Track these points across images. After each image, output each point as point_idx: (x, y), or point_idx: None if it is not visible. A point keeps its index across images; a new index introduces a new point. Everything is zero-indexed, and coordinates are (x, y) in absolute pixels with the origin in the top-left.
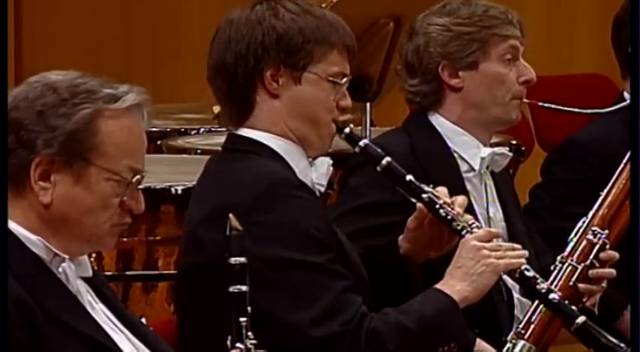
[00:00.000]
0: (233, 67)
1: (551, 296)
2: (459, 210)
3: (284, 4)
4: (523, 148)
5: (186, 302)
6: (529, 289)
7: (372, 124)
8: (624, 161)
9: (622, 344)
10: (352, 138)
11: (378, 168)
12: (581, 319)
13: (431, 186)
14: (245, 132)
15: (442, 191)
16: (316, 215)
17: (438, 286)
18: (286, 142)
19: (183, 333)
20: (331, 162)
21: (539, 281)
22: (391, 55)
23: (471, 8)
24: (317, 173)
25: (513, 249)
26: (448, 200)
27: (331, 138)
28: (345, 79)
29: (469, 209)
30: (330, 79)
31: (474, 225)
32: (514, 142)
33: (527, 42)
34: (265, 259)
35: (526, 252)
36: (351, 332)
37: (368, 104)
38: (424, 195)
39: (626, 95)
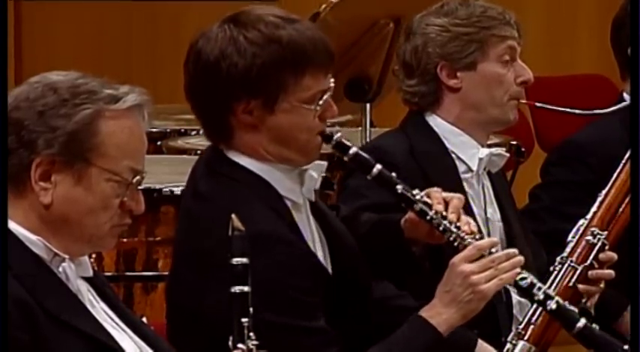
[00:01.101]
0: (204, 98)
1: (549, 303)
2: (452, 216)
3: (247, 32)
4: (523, 149)
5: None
6: (527, 298)
7: (371, 125)
8: (623, 162)
9: (623, 346)
10: (342, 147)
11: (369, 177)
12: (581, 322)
13: (422, 195)
14: (231, 154)
15: (435, 195)
16: (293, 268)
17: (424, 314)
18: (269, 166)
19: None
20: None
21: (535, 289)
22: (391, 55)
23: (469, 9)
24: (306, 188)
25: (507, 258)
26: (441, 205)
27: (318, 149)
28: (324, 97)
29: (467, 210)
30: (305, 106)
31: (466, 237)
32: (514, 143)
33: (527, 43)
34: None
35: (521, 259)
36: None
37: (368, 104)
38: (416, 206)
39: (626, 96)
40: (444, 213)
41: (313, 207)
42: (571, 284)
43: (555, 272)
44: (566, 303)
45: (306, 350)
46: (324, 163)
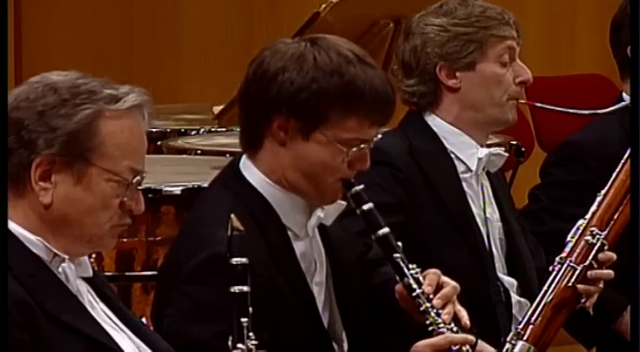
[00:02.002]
0: (250, 105)
1: None
2: (437, 302)
3: (319, 55)
4: (523, 149)
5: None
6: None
7: None
8: (622, 161)
9: None
10: (358, 200)
11: (373, 237)
12: None
13: (418, 271)
14: (244, 164)
15: (431, 276)
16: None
17: None
18: (281, 191)
19: None
20: (344, 205)
21: None
22: (391, 55)
23: (468, 9)
24: (310, 224)
25: None
26: (431, 288)
27: (335, 195)
28: (362, 145)
29: (466, 211)
30: (339, 146)
31: (442, 325)
32: (514, 143)
33: (527, 43)
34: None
35: None
36: None
37: None
38: (406, 280)
39: (625, 96)
40: (431, 296)
41: (322, 233)
42: (570, 284)
43: (554, 273)
44: None
45: None
46: (344, 203)
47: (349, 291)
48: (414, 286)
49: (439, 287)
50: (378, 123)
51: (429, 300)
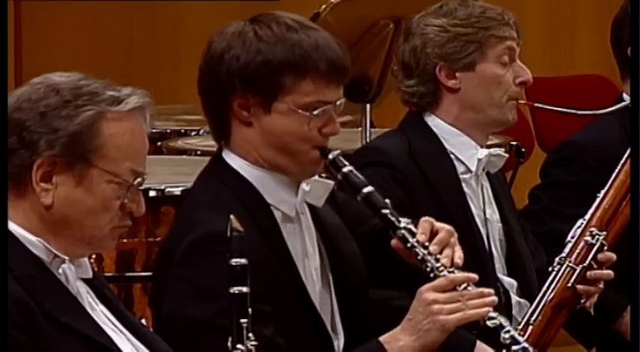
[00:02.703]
0: (208, 92)
1: (515, 348)
2: (433, 248)
3: (259, 29)
4: (523, 149)
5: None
6: (493, 339)
7: (372, 125)
8: (621, 162)
9: None
10: (336, 165)
11: (358, 198)
12: None
13: (409, 222)
14: (226, 153)
15: (423, 224)
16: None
17: (382, 339)
18: (260, 171)
19: None
20: (332, 184)
21: (504, 330)
22: (391, 56)
23: (468, 9)
24: (299, 200)
25: (480, 296)
26: (425, 236)
27: (315, 165)
28: (324, 107)
29: (466, 211)
30: (301, 111)
31: (442, 269)
32: (514, 143)
33: (527, 43)
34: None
35: (495, 300)
36: None
37: (368, 105)
38: (398, 232)
39: (626, 96)
40: (426, 244)
41: (315, 217)
42: (569, 284)
43: (554, 273)
44: (531, 349)
45: None
46: (331, 183)
47: (348, 283)
48: (408, 237)
49: (434, 233)
50: (335, 82)
51: (426, 248)
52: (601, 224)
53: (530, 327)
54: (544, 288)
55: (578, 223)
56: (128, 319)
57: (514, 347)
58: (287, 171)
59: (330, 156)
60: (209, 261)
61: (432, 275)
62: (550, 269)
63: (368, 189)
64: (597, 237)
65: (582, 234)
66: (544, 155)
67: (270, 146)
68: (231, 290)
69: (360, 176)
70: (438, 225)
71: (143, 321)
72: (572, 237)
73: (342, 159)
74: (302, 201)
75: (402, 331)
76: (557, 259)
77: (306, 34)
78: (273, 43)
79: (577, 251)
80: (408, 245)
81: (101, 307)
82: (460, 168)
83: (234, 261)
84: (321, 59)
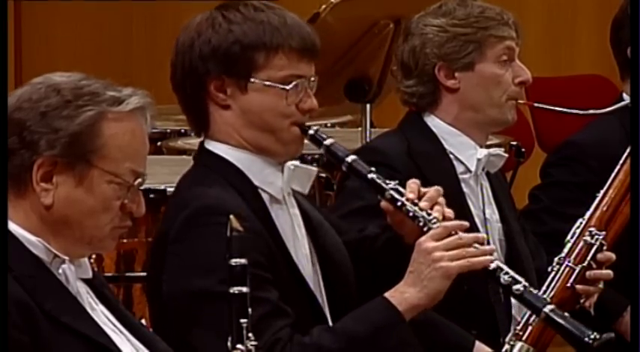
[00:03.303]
0: (182, 82)
1: (515, 286)
2: (424, 204)
3: (227, 15)
4: (523, 149)
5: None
6: (493, 281)
7: (372, 125)
8: (621, 162)
9: (590, 332)
10: (316, 139)
11: (343, 168)
12: (548, 308)
13: (396, 182)
14: (207, 143)
15: (411, 185)
16: None
17: (387, 294)
18: (244, 153)
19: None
20: (315, 171)
21: (503, 273)
22: (391, 56)
23: (467, 9)
24: (285, 180)
25: (476, 241)
26: (414, 194)
27: (296, 143)
28: (297, 82)
29: (465, 211)
30: (277, 85)
31: (433, 221)
32: (514, 143)
33: (527, 43)
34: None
35: (493, 248)
36: None
37: (368, 105)
38: (387, 193)
39: (626, 96)
40: (416, 201)
41: (300, 209)
42: (569, 284)
43: (553, 273)
44: (532, 289)
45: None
46: (315, 169)
47: (336, 277)
48: (397, 196)
49: (422, 194)
50: (306, 57)
51: (416, 205)
52: (600, 224)
53: (530, 327)
54: (543, 288)
55: (578, 223)
56: (128, 319)
57: (515, 287)
58: (270, 151)
59: (311, 132)
60: (204, 234)
61: (425, 228)
62: (549, 269)
63: (351, 157)
64: (596, 236)
65: (581, 233)
66: (544, 155)
67: (251, 126)
68: (231, 290)
69: (341, 147)
70: (424, 189)
71: (143, 321)
72: (572, 237)
73: (321, 134)
74: (288, 181)
75: (405, 284)
76: (556, 259)
77: (274, 14)
78: (243, 23)
79: (576, 251)
80: (398, 204)
81: (101, 307)
82: (459, 168)
83: (234, 261)
84: (291, 34)
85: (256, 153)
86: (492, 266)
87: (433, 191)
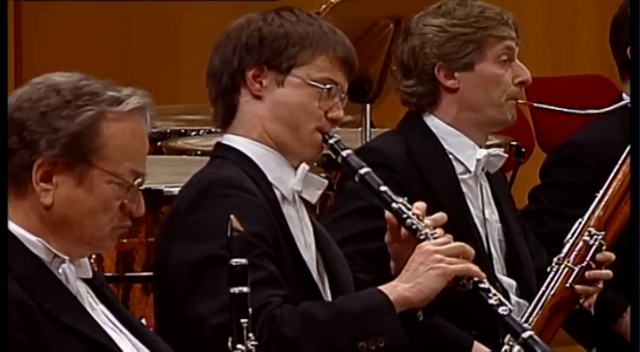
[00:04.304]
0: (220, 70)
1: (501, 309)
2: (428, 222)
3: (281, 13)
4: (523, 150)
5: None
6: (479, 299)
7: (372, 125)
8: (620, 162)
9: None
10: (335, 149)
11: (356, 178)
12: (527, 334)
13: (405, 198)
14: (225, 138)
15: (419, 205)
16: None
17: (380, 287)
18: (263, 148)
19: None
20: (326, 183)
21: (491, 294)
22: (391, 56)
23: (467, 9)
24: (297, 179)
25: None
26: (420, 212)
27: (315, 148)
28: (333, 87)
29: (465, 211)
30: (314, 83)
31: (435, 235)
32: (514, 143)
33: (527, 43)
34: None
35: (483, 275)
36: None
37: (368, 105)
38: (394, 205)
39: (625, 96)
40: (421, 217)
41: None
42: (568, 285)
43: (552, 273)
44: (514, 315)
45: None
46: (325, 181)
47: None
48: (404, 209)
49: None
50: (345, 70)
51: (421, 221)
52: (599, 224)
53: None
54: (542, 289)
55: (577, 223)
56: (128, 319)
57: (501, 308)
58: (288, 149)
59: (331, 141)
60: (214, 205)
61: (425, 241)
62: (548, 269)
63: (364, 170)
64: (596, 236)
65: (581, 234)
66: (544, 155)
67: (278, 120)
68: (232, 291)
69: (357, 159)
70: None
71: (143, 321)
72: (571, 237)
73: (341, 144)
74: (300, 180)
75: (398, 280)
76: (555, 259)
77: (325, 23)
78: (295, 22)
79: (575, 251)
80: (404, 216)
81: (101, 307)
82: (459, 169)
83: (234, 261)
84: (338, 42)
85: (274, 149)
86: (485, 285)
87: (439, 215)
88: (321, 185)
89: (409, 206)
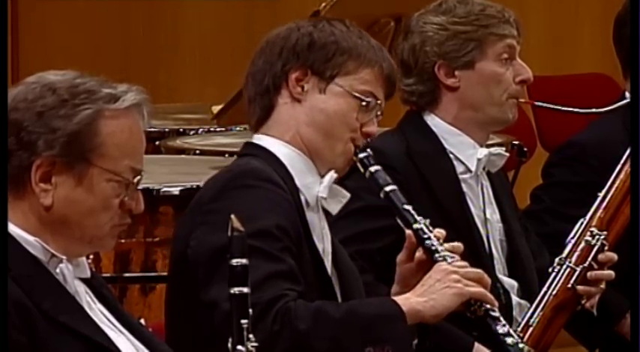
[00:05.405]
0: (262, 70)
1: (509, 339)
2: (447, 246)
3: (332, 22)
4: (525, 149)
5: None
6: (489, 328)
7: None
8: (622, 161)
9: None
10: (364, 163)
11: (381, 195)
12: None
13: (428, 220)
14: (255, 138)
15: (440, 230)
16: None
17: (394, 297)
18: (294, 151)
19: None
20: (335, 175)
21: (501, 323)
22: (391, 54)
23: (468, 7)
24: (323, 185)
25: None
26: (440, 235)
27: (346, 158)
28: (373, 101)
29: (465, 211)
30: (356, 95)
31: (455, 259)
32: (516, 143)
33: (529, 42)
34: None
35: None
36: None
37: None
38: (415, 225)
39: (628, 95)
40: (441, 241)
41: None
42: (570, 285)
43: (554, 274)
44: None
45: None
46: (348, 195)
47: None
48: (425, 230)
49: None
50: (388, 86)
51: (441, 244)
52: (601, 224)
53: (530, 328)
54: (544, 289)
55: (579, 223)
56: (127, 319)
57: (508, 339)
58: (320, 156)
59: (361, 155)
60: (240, 194)
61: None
62: (550, 270)
63: (391, 187)
64: (597, 237)
65: (582, 234)
66: (546, 154)
67: (313, 125)
68: (232, 291)
69: (384, 176)
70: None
71: (142, 321)
72: (573, 238)
73: (371, 159)
74: (327, 186)
75: (412, 293)
76: (557, 260)
77: (374, 41)
78: (345, 32)
79: (577, 251)
80: (425, 236)
81: (99, 306)
82: (459, 168)
83: (234, 261)
84: (385, 60)
85: (305, 154)
86: (495, 314)
87: (457, 243)
88: (344, 197)
89: (431, 228)
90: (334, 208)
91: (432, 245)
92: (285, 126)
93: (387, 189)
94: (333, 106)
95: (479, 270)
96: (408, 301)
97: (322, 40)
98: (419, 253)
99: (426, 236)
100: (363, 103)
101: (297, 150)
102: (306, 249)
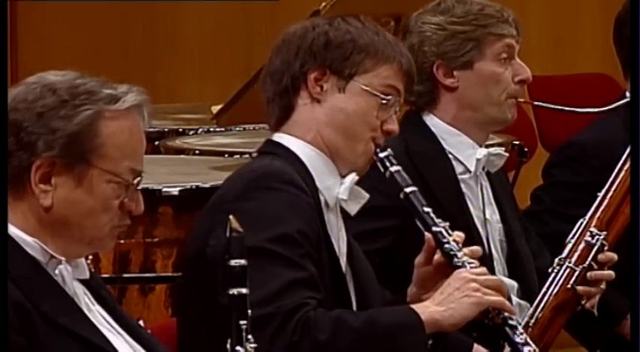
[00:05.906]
0: (280, 70)
1: (526, 349)
2: (466, 251)
3: (348, 19)
4: (526, 149)
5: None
6: (506, 336)
7: None
8: (621, 161)
9: None
10: (384, 163)
11: (401, 195)
12: None
13: (447, 224)
14: (277, 136)
15: (459, 234)
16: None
17: (411, 306)
18: (315, 151)
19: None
20: (357, 177)
21: (518, 332)
22: None
23: (466, 7)
24: (343, 187)
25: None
26: (460, 239)
27: (367, 158)
28: (393, 98)
29: (465, 211)
30: (376, 93)
31: (473, 265)
32: (517, 143)
33: (530, 41)
34: None
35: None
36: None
37: None
38: (435, 228)
39: (629, 95)
40: (460, 245)
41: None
42: (569, 286)
43: (554, 274)
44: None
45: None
46: (367, 195)
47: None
48: (445, 234)
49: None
50: (407, 80)
51: (460, 250)
52: (601, 224)
53: (530, 329)
54: (544, 290)
55: (578, 224)
56: (125, 320)
57: (526, 348)
58: (340, 156)
59: (382, 154)
60: (263, 196)
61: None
62: (550, 270)
63: (411, 188)
64: (597, 237)
65: (582, 234)
66: (547, 154)
67: (334, 125)
68: (231, 292)
69: (405, 176)
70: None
71: (141, 322)
72: (572, 238)
73: (392, 158)
74: (348, 188)
75: (430, 301)
76: (556, 260)
77: (390, 35)
78: (361, 28)
79: (577, 252)
80: (444, 240)
81: (98, 308)
82: (459, 169)
83: (234, 262)
84: (403, 55)
85: (326, 154)
86: (513, 322)
87: (476, 247)
88: (363, 198)
89: (450, 232)
90: (353, 209)
91: (451, 249)
92: (305, 126)
93: (408, 190)
94: (353, 105)
95: (497, 278)
96: (427, 310)
97: (339, 38)
98: (437, 256)
99: (445, 240)
100: (383, 101)
101: (319, 150)
102: (324, 251)
